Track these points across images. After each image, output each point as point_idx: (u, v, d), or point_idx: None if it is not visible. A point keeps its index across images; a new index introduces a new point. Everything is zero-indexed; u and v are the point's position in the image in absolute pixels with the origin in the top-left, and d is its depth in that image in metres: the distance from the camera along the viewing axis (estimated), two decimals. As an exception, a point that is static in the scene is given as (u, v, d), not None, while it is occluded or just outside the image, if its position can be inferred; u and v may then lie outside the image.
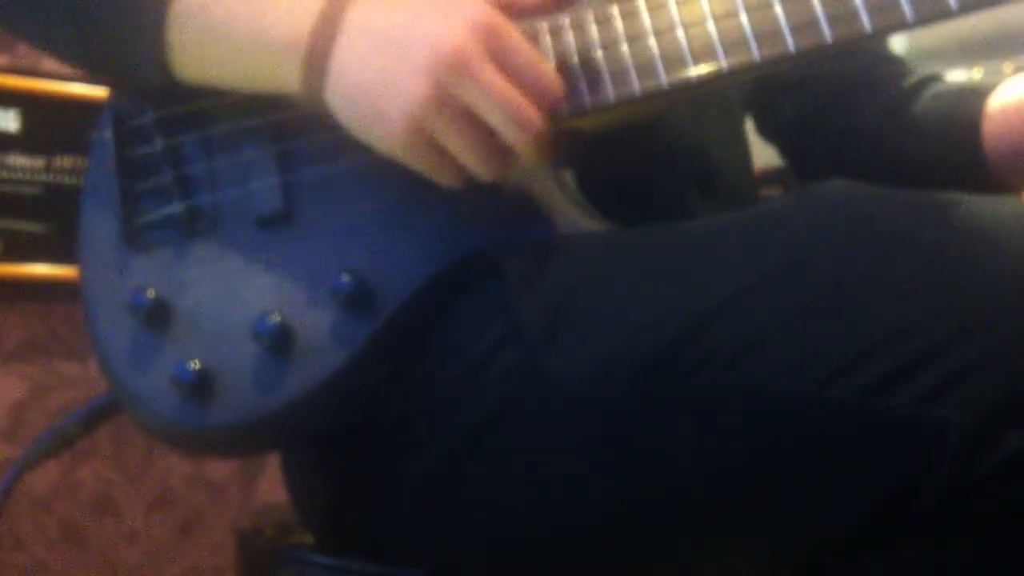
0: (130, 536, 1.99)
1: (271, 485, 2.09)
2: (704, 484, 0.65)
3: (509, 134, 0.69)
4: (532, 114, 0.68)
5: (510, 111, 0.68)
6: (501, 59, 0.68)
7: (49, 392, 1.92)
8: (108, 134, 0.82)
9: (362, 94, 0.69)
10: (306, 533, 0.91)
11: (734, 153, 0.94)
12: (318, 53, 0.70)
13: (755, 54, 0.69)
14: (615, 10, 0.73)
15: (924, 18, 0.67)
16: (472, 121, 0.68)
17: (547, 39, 0.74)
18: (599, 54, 0.73)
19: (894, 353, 0.58)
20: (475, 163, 0.70)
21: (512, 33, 0.69)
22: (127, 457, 1.99)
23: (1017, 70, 1.34)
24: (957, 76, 2.17)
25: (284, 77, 0.72)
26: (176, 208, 0.78)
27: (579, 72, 0.73)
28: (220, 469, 2.08)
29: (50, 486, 1.92)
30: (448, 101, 0.67)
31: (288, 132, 0.79)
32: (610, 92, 0.72)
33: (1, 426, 1.87)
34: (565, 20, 0.74)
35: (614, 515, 0.69)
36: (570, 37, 0.74)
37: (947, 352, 0.56)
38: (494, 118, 0.68)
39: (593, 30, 0.73)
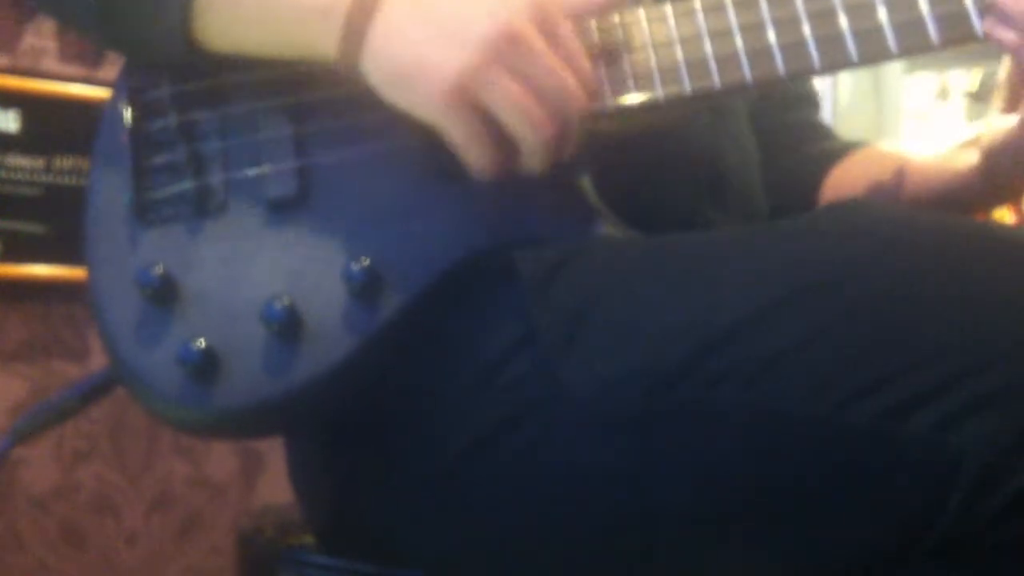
0: (130, 537, 1.99)
1: (271, 485, 2.09)
2: (713, 501, 0.64)
3: (559, 101, 0.69)
4: (577, 87, 0.69)
5: (561, 79, 0.68)
6: (552, 38, 0.69)
7: (49, 392, 1.92)
8: (122, 107, 0.80)
9: (408, 60, 0.68)
10: (306, 534, 0.91)
11: (744, 160, 0.94)
12: (356, 22, 0.69)
13: (781, 69, 0.73)
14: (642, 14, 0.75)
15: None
16: (521, 88, 0.68)
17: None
18: (646, 54, 0.74)
19: (913, 379, 0.57)
20: (521, 130, 0.69)
21: (559, 13, 0.69)
22: (127, 457, 1.99)
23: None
24: (957, 76, 2.17)
25: (318, 44, 0.71)
26: (188, 186, 0.77)
27: (625, 69, 0.74)
28: (220, 469, 2.07)
29: (50, 486, 1.92)
30: (500, 67, 0.67)
31: (306, 115, 0.78)
32: (659, 90, 0.74)
33: (1, 426, 1.87)
34: (616, 17, 0.76)
35: (620, 526, 0.69)
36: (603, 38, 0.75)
37: (965, 380, 0.56)
38: (546, 86, 0.68)
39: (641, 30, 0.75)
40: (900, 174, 0.96)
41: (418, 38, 0.68)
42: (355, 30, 0.69)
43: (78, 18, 0.81)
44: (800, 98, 1.08)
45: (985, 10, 0.71)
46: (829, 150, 1.03)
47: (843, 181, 1.00)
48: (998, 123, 0.85)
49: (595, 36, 0.75)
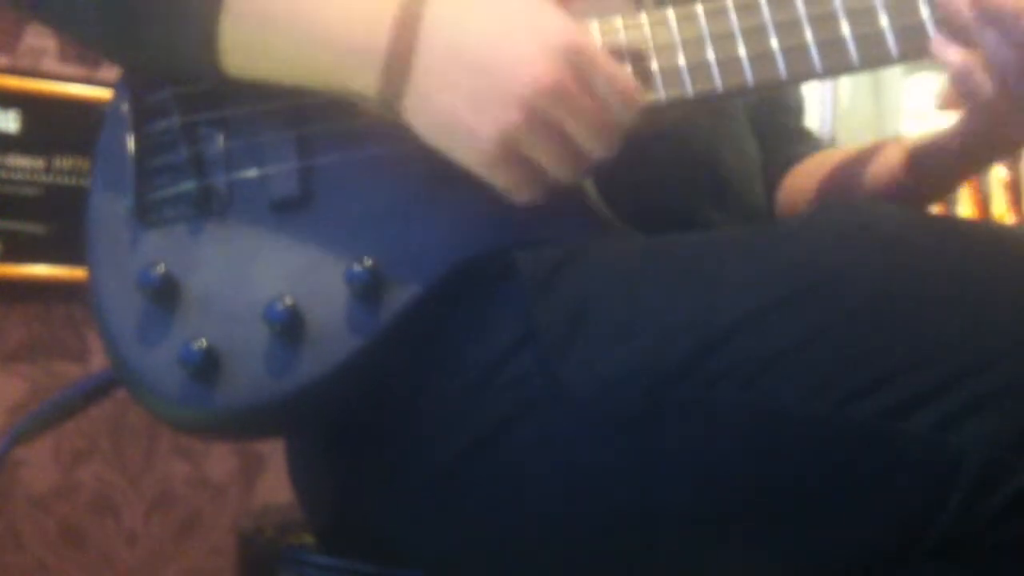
0: (130, 536, 1.99)
1: (271, 485, 2.09)
2: (713, 500, 0.64)
3: (597, 147, 0.70)
4: (616, 128, 0.70)
5: (599, 127, 0.69)
6: (589, 78, 0.69)
7: (49, 392, 1.92)
8: (124, 107, 0.80)
9: (450, 113, 0.69)
10: (306, 534, 0.91)
11: (744, 162, 0.94)
12: (397, 63, 0.69)
13: (782, 72, 0.74)
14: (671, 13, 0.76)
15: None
16: (562, 136, 0.69)
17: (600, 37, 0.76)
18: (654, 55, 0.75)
19: (913, 379, 0.57)
20: (562, 172, 0.70)
21: (594, 49, 0.70)
22: (127, 457, 1.99)
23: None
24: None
25: (356, 82, 0.71)
26: (190, 186, 0.77)
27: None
28: (220, 469, 2.07)
29: (50, 486, 1.91)
30: (541, 123, 0.68)
31: (308, 117, 0.78)
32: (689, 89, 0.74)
33: (1, 426, 1.87)
34: (619, 21, 0.76)
35: (620, 526, 0.69)
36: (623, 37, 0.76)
37: (965, 380, 0.56)
38: (584, 134, 0.69)
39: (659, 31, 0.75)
40: (837, 170, 0.97)
41: (455, 97, 0.69)
42: (395, 78, 0.70)
43: (81, 33, 0.81)
44: (780, 104, 1.08)
45: (940, 23, 0.72)
46: (791, 155, 1.03)
47: (793, 184, 1.01)
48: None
49: (600, 40, 0.75)
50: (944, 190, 0.89)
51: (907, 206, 0.69)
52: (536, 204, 0.72)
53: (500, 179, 0.70)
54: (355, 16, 0.71)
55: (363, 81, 0.70)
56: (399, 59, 0.69)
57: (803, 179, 1.00)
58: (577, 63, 0.68)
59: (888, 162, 0.90)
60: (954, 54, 0.71)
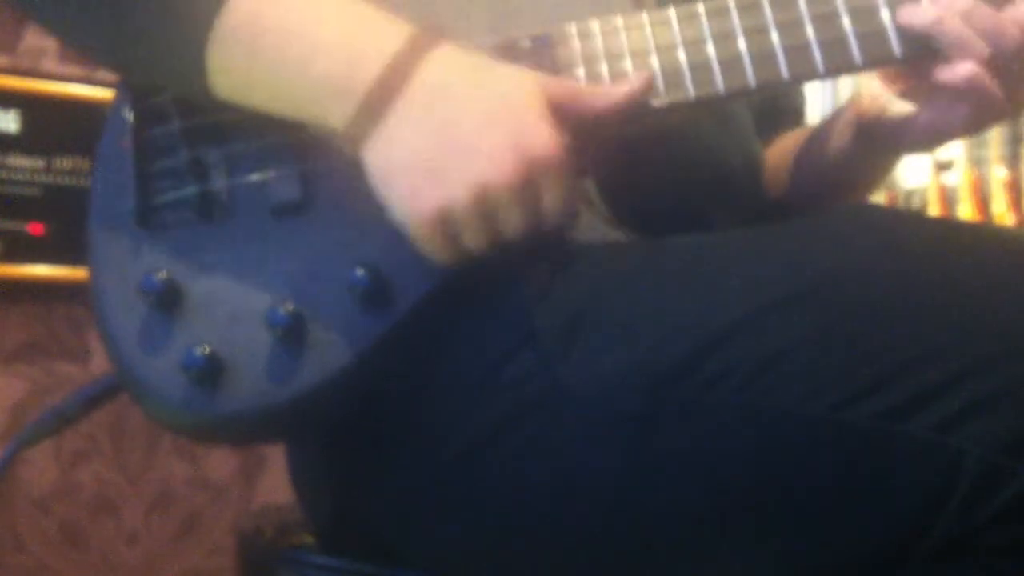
0: (130, 536, 1.99)
1: (271, 485, 2.09)
2: (712, 500, 0.64)
3: (516, 237, 0.70)
4: (538, 229, 0.70)
5: (527, 228, 0.70)
6: (544, 191, 0.69)
7: (49, 392, 1.92)
8: (126, 112, 0.80)
9: (404, 168, 0.69)
10: (306, 534, 0.91)
11: (748, 163, 0.94)
12: (375, 103, 0.69)
13: (784, 72, 0.74)
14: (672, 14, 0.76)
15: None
16: (493, 225, 0.69)
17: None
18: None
19: (912, 379, 0.57)
20: (480, 249, 0.71)
21: (560, 167, 0.69)
22: (127, 457, 1.99)
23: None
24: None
25: (331, 113, 0.71)
26: (190, 191, 0.77)
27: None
28: (220, 469, 2.08)
29: (50, 487, 1.92)
30: (481, 212, 0.68)
31: None
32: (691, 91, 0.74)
33: (1, 426, 1.87)
34: (619, 20, 0.76)
35: (620, 525, 0.69)
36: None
37: (967, 381, 0.56)
38: (511, 229, 0.70)
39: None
40: (797, 145, 0.98)
41: (416, 157, 0.69)
42: (364, 120, 0.70)
43: (85, 43, 0.81)
44: (781, 106, 1.08)
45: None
46: (775, 138, 1.04)
47: (775, 165, 1.01)
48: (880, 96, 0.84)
49: (600, 43, 0.75)
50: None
51: (907, 208, 0.69)
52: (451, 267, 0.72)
53: (424, 242, 0.71)
54: (340, 52, 0.71)
55: (339, 112, 0.70)
56: (378, 101, 0.69)
57: (772, 158, 1.00)
58: (541, 176, 0.68)
59: (842, 134, 0.90)
60: (964, 70, 0.72)
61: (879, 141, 0.85)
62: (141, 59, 0.77)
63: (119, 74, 0.82)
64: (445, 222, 0.69)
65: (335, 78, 0.70)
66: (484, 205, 0.68)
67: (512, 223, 0.69)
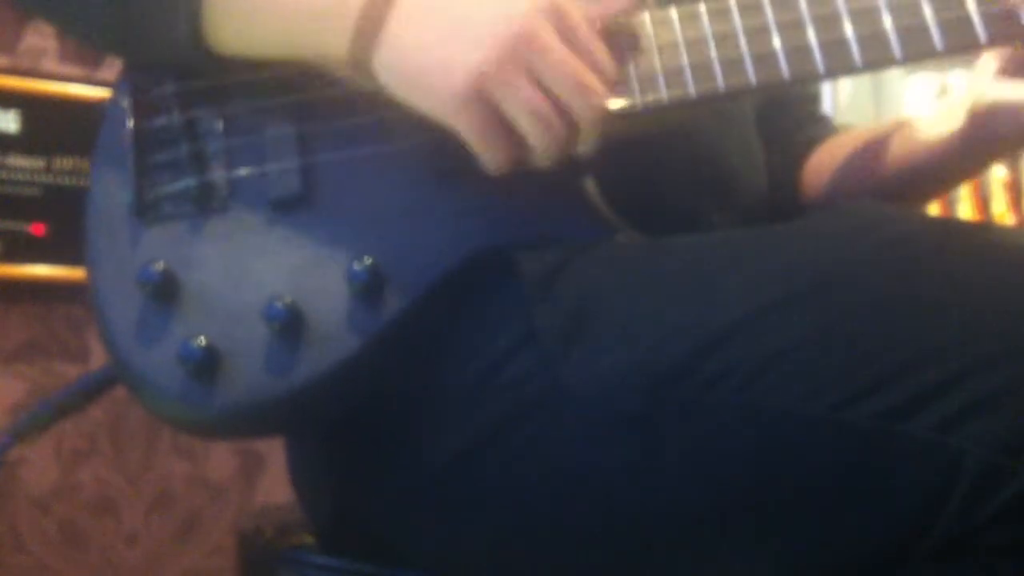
0: (130, 537, 1.99)
1: (271, 485, 2.09)
2: (712, 500, 0.64)
3: (576, 103, 0.69)
4: (598, 86, 0.69)
5: (578, 80, 0.68)
6: (570, 39, 0.69)
7: (49, 392, 1.92)
8: (125, 103, 0.80)
9: (423, 53, 0.68)
10: (306, 534, 0.91)
11: (749, 163, 0.94)
12: (369, 20, 0.69)
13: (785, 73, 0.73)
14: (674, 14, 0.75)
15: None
16: (537, 88, 0.68)
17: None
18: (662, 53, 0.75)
19: (912, 379, 0.57)
20: (538, 138, 0.69)
21: (576, 13, 0.69)
22: (127, 457, 1.99)
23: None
24: (957, 76, 2.17)
25: (330, 39, 0.71)
26: (190, 183, 0.77)
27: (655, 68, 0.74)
28: (220, 469, 2.07)
29: (50, 487, 1.91)
30: (516, 67, 0.67)
31: (310, 115, 0.78)
32: (691, 87, 0.74)
33: (1, 426, 1.87)
34: (623, 19, 0.76)
35: (620, 525, 0.69)
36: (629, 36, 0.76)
37: (967, 381, 0.56)
38: (562, 86, 0.68)
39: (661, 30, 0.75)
40: (866, 150, 0.97)
41: (432, 38, 0.68)
42: (368, 28, 0.69)
43: (80, 23, 0.81)
44: (798, 92, 1.08)
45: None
46: (812, 136, 1.04)
47: (820, 165, 1.01)
48: (986, 88, 0.84)
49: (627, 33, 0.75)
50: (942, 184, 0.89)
51: (906, 208, 0.70)
52: (509, 173, 0.71)
53: (468, 127, 0.69)
54: None
55: (336, 41, 0.70)
56: (372, 16, 0.69)
57: (825, 158, 1.00)
58: (558, 20, 0.68)
59: (931, 136, 0.89)
60: None
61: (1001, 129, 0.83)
62: (131, 23, 0.76)
63: (116, 48, 0.81)
64: (485, 90, 0.68)
65: (328, 2, 0.70)
66: (516, 56, 0.67)
67: (555, 73, 0.68)
